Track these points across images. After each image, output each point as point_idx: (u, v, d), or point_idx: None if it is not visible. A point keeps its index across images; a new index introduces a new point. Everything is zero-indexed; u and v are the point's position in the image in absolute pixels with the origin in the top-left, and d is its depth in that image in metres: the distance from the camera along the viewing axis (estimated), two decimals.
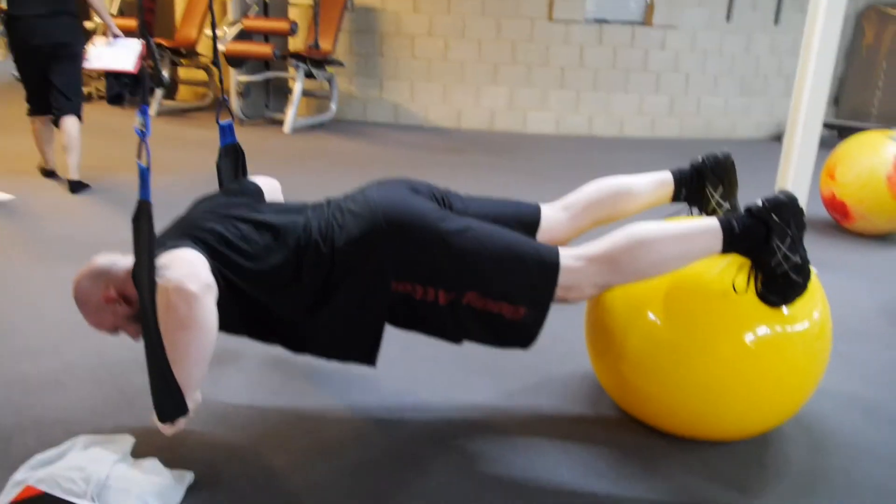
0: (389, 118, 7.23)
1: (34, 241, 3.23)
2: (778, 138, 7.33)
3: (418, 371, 2.15)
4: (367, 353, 1.71)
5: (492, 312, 1.63)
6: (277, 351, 2.21)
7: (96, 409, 1.86)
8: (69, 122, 4.05)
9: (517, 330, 1.65)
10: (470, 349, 2.29)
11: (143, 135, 1.41)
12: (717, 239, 1.62)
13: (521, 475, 1.67)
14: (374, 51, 7.09)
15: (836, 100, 7.66)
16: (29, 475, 1.50)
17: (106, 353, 2.17)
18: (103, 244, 3.18)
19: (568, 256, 1.64)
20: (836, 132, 7.45)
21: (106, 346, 2.22)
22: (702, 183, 1.95)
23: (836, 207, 3.82)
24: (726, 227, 1.62)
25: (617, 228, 1.69)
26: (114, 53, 4.31)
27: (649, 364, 1.73)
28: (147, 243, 1.41)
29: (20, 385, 1.97)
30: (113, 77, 4.74)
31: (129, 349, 2.19)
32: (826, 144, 4.42)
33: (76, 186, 4.05)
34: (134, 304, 1.68)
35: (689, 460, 1.75)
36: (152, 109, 6.98)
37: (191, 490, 1.56)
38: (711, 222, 1.64)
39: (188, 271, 1.49)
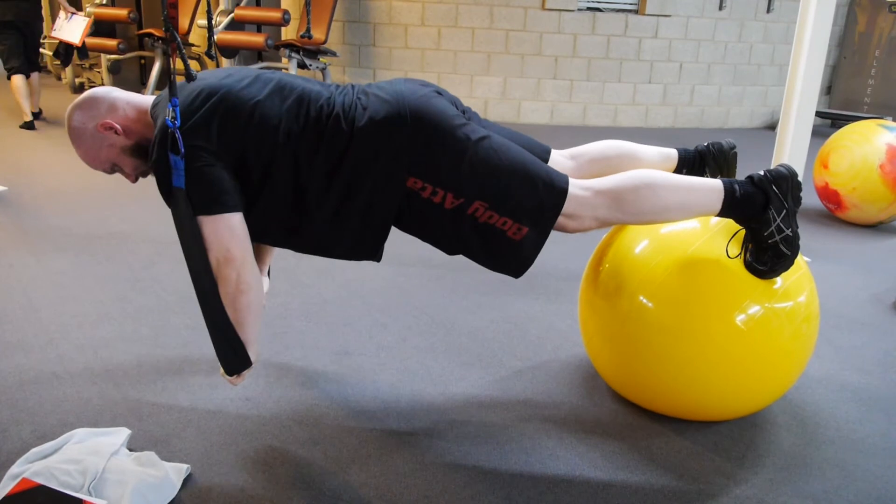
0: None
1: (27, 232, 3.22)
2: (771, 127, 7.35)
3: (412, 362, 2.16)
4: (373, 246, 1.71)
5: (494, 227, 1.63)
6: (271, 345, 2.21)
7: (92, 402, 1.86)
8: (36, 75, 5.84)
9: (515, 250, 1.66)
10: (463, 341, 2.30)
11: (174, 126, 1.49)
12: (718, 199, 1.66)
13: (516, 468, 1.68)
14: (367, 40, 7.06)
15: (829, 89, 7.68)
16: (25, 468, 1.50)
17: (101, 345, 2.17)
18: (97, 235, 3.18)
19: (576, 185, 1.66)
20: (829, 121, 7.47)
21: (101, 338, 2.21)
22: (703, 167, 1.99)
23: (829, 197, 3.83)
24: (728, 190, 1.66)
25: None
26: (69, 28, 6.10)
27: (640, 346, 1.77)
28: (190, 227, 1.53)
29: (15, 378, 1.97)
30: (64, 45, 6.50)
31: (126, 341, 2.20)
32: (819, 133, 4.44)
33: (39, 114, 5.98)
34: (132, 135, 1.68)
35: (680, 441, 1.77)
36: None
37: (187, 482, 1.56)
38: (716, 182, 1.68)
39: (229, 236, 1.55)
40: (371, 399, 1.95)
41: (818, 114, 7.24)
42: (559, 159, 1.93)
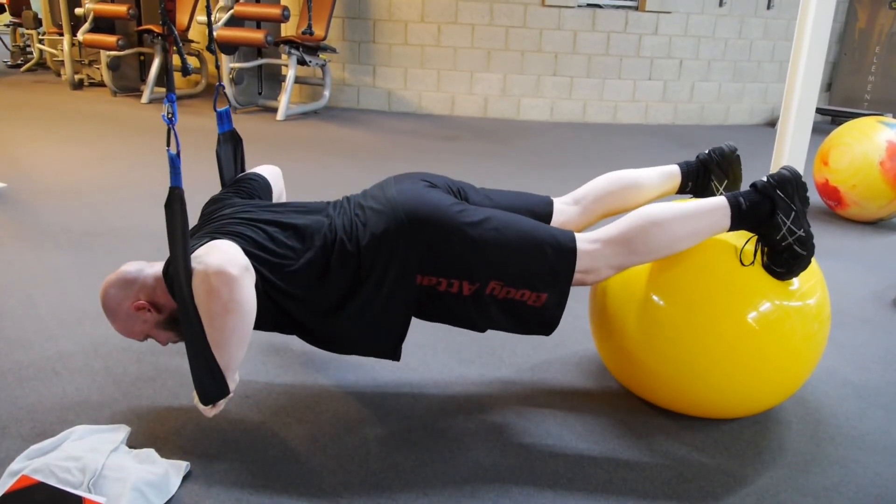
0: (383, 105, 7.20)
1: (26, 229, 3.22)
2: (772, 124, 7.34)
3: (413, 360, 2.15)
4: (391, 347, 1.76)
5: (515, 300, 1.67)
6: (271, 340, 2.21)
7: (91, 399, 1.86)
8: None
9: (540, 315, 1.70)
10: (463, 339, 2.30)
11: (171, 122, 1.44)
12: (726, 216, 1.67)
13: (516, 466, 1.68)
14: (367, 37, 7.05)
15: (829, 85, 7.67)
16: (24, 465, 1.50)
17: (101, 342, 2.17)
18: (96, 233, 3.18)
19: (584, 240, 1.69)
20: (830, 118, 7.47)
21: (100, 335, 2.21)
22: (708, 176, 2.00)
23: (830, 194, 3.83)
24: (734, 204, 1.67)
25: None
26: None
27: (650, 342, 1.77)
28: (182, 229, 1.45)
29: (14, 374, 1.97)
30: None
31: (123, 339, 2.19)
32: (819, 130, 4.43)
33: None
34: (165, 310, 1.70)
35: (683, 437, 1.76)
36: (144, 97, 6.94)
37: (186, 480, 1.56)
38: (719, 200, 1.69)
39: (227, 256, 1.51)
40: (371, 396, 1.94)
41: (818, 111, 7.23)
42: (563, 208, 1.97)
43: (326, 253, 1.67)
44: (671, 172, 1.99)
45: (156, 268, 1.73)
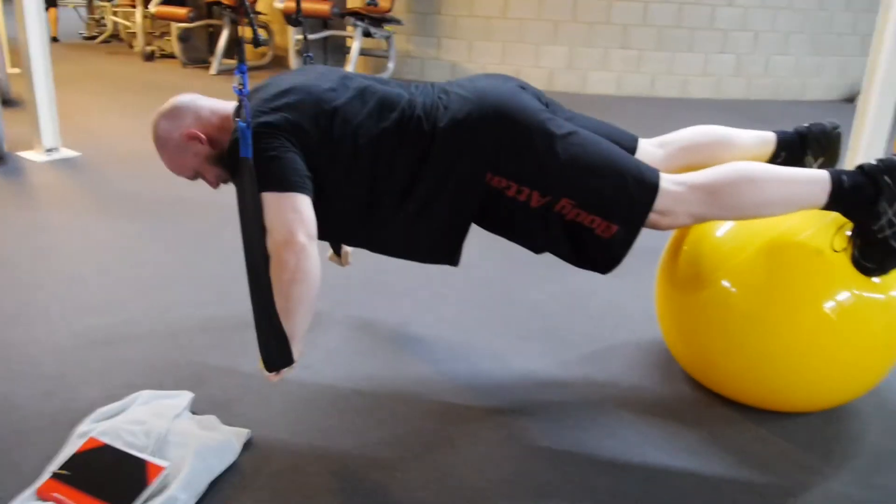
0: (447, 77, 7.15)
1: (99, 197, 3.31)
2: (850, 100, 7.01)
3: (472, 336, 2.14)
4: (450, 250, 1.69)
5: (583, 225, 1.58)
6: (332, 314, 2.22)
7: (157, 365, 1.91)
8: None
9: (604, 249, 1.60)
10: (524, 314, 2.27)
11: (241, 93, 1.46)
12: (825, 191, 1.54)
13: (574, 444, 1.66)
14: (433, 9, 6.99)
15: None
16: (92, 427, 1.55)
17: (168, 310, 2.22)
18: (166, 201, 3.25)
19: (668, 180, 1.59)
20: None
21: (167, 302, 2.27)
22: (803, 151, 1.86)
23: None
24: (836, 180, 1.54)
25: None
26: None
27: (721, 331, 1.70)
28: (252, 199, 1.47)
29: (84, 338, 2.03)
30: None
31: (191, 305, 2.24)
32: None
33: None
34: (217, 144, 1.69)
35: (754, 430, 1.71)
36: (213, 69, 7.06)
37: (247, 447, 1.59)
38: (821, 173, 1.56)
39: (295, 218, 1.49)
40: (428, 371, 1.94)
41: None
42: (648, 148, 1.86)
43: (401, 128, 1.60)
44: (766, 138, 1.86)
45: (214, 101, 1.73)
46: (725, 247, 1.72)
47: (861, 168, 1.55)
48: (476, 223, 1.67)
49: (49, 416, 1.67)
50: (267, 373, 1.55)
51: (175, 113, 1.70)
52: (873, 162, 1.54)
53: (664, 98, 6.83)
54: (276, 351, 1.51)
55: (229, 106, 1.73)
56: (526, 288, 2.49)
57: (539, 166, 1.56)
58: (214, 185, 1.78)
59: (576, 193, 1.56)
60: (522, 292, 2.45)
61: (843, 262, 1.60)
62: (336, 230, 1.70)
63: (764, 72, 6.92)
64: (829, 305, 1.59)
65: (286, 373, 1.56)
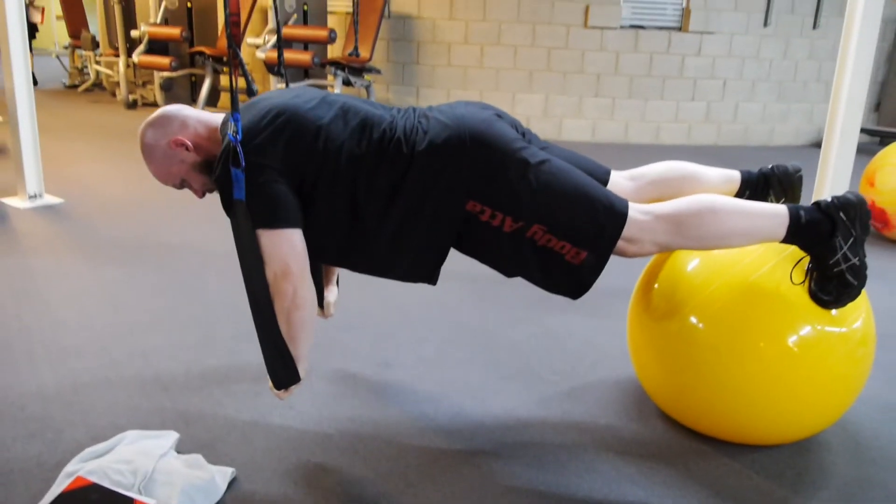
0: None
1: (83, 243, 3.34)
2: (817, 145, 7.22)
3: (453, 376, 2.19)
4: (430, 268, 1.74)
5: (553, 250, 1.64)
6: (314, 357, 2.26)
7: (142, 406, 1.93)
8: None
9: (574, 274, 1.66)
10: (503, 354, 2.32)
11: (235, 139, 1.54)
12: (783, 225, 1.63)
13: (553, 481, 1.70)
14: (411, 58, 7.16)
15: (878, 105, 7.54)
16: (79, 466, 1.57)
17: (151, 352, 2.25)
18: (149, 246, 3.29)
19: (636, 209, 1.66)
20: (878, 139, 7.34)
21: (151, 345, 2.29)
22: (766, 191, 1.95)
23: (876, 215, 3.77)
24: (794, 215, 1.63)
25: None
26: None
27: (690, 365, 1.76)
28: (248, 237, 1.58)
29: (70, 382, 2.05)
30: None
31: (173, 348, 2.27)
32: (867, 151, 4.37)
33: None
34: (202, 151, 1.74)
35: (728, 464, 1.76)
36: None
37: (232, 485, 1.61)
38: (780, 208, 1.65)
39: (289, 251, 1.60)
40: (410, 410, 1.98)
41: (867, 131, 7.12)
42: (619, 181, 1.93)
43: (381, 148, 1.66)
44: (731, 176, 1.96)
45: (200, 112, 1.78)
46: (692, 283, 1.79)
47: (818, 205, 1.64)
48: (453, 246, 1.73)
49: (34, 458, 1.68)
50: (276, 391, 1.69)
51: (162, 121, 1.75)
52: (829, 199, 1.63)
53: (638, 144, 7.01)
54: (283, 371, 1.65)
55: (216, 118, 1.79)
56: (505, 329, 2.54)
57: (512, 192, 1.62)
58: (200, 194, 1.82)
59: (547, 220, 1.62)
60: (501, 333, 2.51)
61: (804, 297, 1.68)
62: (321, 247, 1.75)
63: (733, 118, 7.14)
64: (792, 339, 1.66)
65: (294, 389, 1.70)
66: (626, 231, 1.63)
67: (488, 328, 2.55)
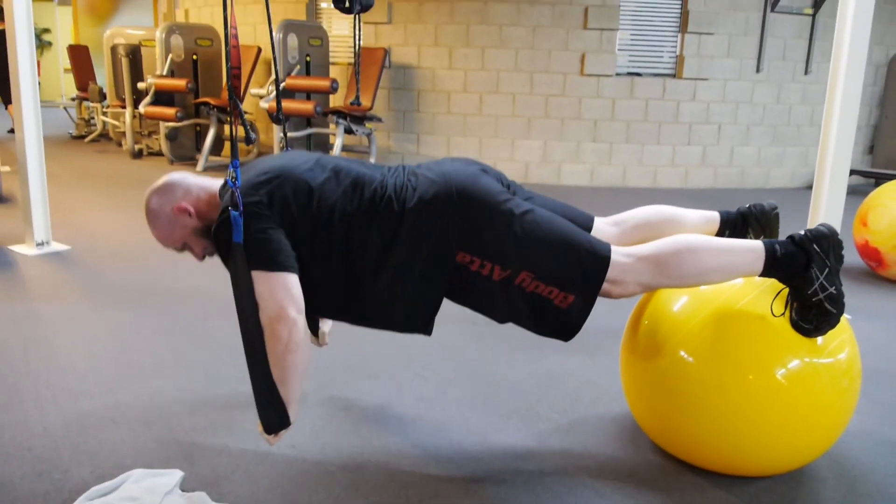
0: None
1: (89, 288, 3.40)
2: (812, 187, 7.32)
3: (453, 414, 2.22)
4: (424, 319, 1.80)
5: (542, 296, 1.72)
6: (316, 395, 2.30)
7: (147, 446, 1.97)
8: None
9: (563, 317, 1.74)
10: (501, 394, 2.36)
11: (234, 185, 1.62)
12: (760, 259, 1.70)
13: None
14: (412, 106, 7.31)
15: (871, 148, 7.66)
16: None
17: (156, 393, 2.29)
18: (154, 291, 3.34)
19: (618, 252, 1.74)
20: (873, 180, 7.44)
21: (156, 387, 2.33)
22: (745, 229, 2.03)
23: (870, 254, 3.83)
24: (769, 250, 1.71)
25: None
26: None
27: (680, 399, 1.80)
28: (245, 280, 1.62)
29: (77, 423, 2.09)
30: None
31: (178, 391, 2.31)
32: (862, 193, 4.43)
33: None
34: (204, 218, 1.81)
35: (723, 497, 1.78)
36: (199, 165, 7.27)
37: None
38: (756, 243, 1.73)
39: (284, 295, 1.63)
40: (411, 448, 2.01)
41: (861, 173, 7.22)
42: (603, 227, 2.02)
43: (373, 206, 1.74)
44: (711, 217, 2.04)
45: (202, 179, 1.85)
46: (676, 319, 1.84)
47: (792, 238, 1.72)
48: (445, 296, 1.79)
49: (41, 496, 1.71)
50: (267, 435, 1.69)
51: (167, 189, 1.84)
52: (802, 233, 1.71)
53: (636, 188, 7.11)
54: (274, 415, 1.66)
55: (216, 183, 1.88)
56: (504, 369, 2.58)
57: (499, 243, 1.71)
58: (200, 257, 1.90)
59: (534, 267, 1.70)
60: (501, 373, 2.54)
61: (791, 331, 1.73)
62: (317, 302, 1.81)
63: (729, 162, 7.24)
64: (780, 373, 1.71)
65: (284, 434, 1.70)
66: (610, 273, 1.71)
67: (487, 368, 2.58)
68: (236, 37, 1.90)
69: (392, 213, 1.73)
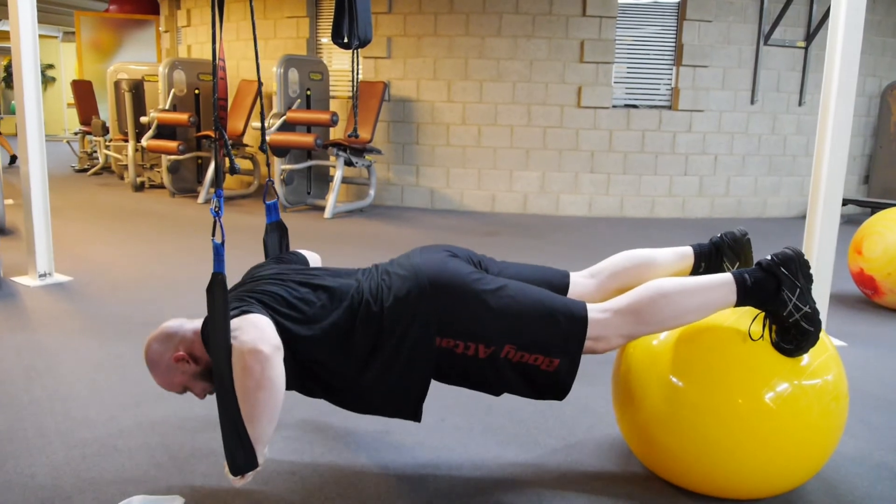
0: (426, 203, 7.47)
1: (91, 319, 3.42)
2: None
3: (451, 442, 2.24)
4: (412, 408, 1.85)
5: (528, 364, 1.77)
6: (315, 416, 2.32)
7: (149, 473, 1.98)
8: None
9: (552, 380, 1.79)
10: (501, 421, 2.37)
11: (217, 215, 1.61)
12: (732, 292, 1.75)
13: None
14: (411, 139, 7.40)
15: (867, 177, 7.73)
16: None
17: (158, 422, 2.30)
18: (154, 323, 3.35)
19: (595, 310, 1.79)
20: (869, 209, 7.49)
21: (158, 415, 2.35)
22: (720, 258, 2.08)
23: (865, 282, 3.86)
24: (739, 281, 1.75)
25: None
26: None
27: (671, 423, 1.83)
28: (222, 311, 1.58)
29: (79, 451, 2.10)
30: None
31: (179, 419, 2.33)
32: (857, 222, 4.47)
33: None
34: (202, 362, 1.84)
35: None
36: (200, 198, 7.33)
37: None
38: (726, 276, 1.78)
39: (259, 334, 1.63)
40: (411, 474, 2.03)
41: (857, 202, 7.28)
42: (580, 280, 2.07)
43: (353, 313, 1.80)
44: (685, 253, 2.09)
45: (195, 323, 1.89)
46: (671, 345, 1.87)
47: (759, 265, 1.77)
48: (435, 379, 1.85)
49: None
50: (232, 477, 1.62)
51: (164, 338, 1.88)
52: (769, 258, 1.76)
53: (633, 218, 7.16)
54: (241, 455, 1.60)
55: None
56: (502, 397, 2.58)
57: (477, 322, 1.77)
58: (201, 397, 1.93)
59: (515, 339, 1.76)
60: (499, 401, 2.55)
61: (776, 354, 1.76)
62: (303, 388, 1.89)
63: (725, 192, 7.31)
64: (767, 395, 1.74)
65: (250, 476, 1.64)
66: (591, 332, 1.77)
67: (486, 396, 2.58)
68: (224, 69, 1.96)
69: (372, 315, 1.79)
